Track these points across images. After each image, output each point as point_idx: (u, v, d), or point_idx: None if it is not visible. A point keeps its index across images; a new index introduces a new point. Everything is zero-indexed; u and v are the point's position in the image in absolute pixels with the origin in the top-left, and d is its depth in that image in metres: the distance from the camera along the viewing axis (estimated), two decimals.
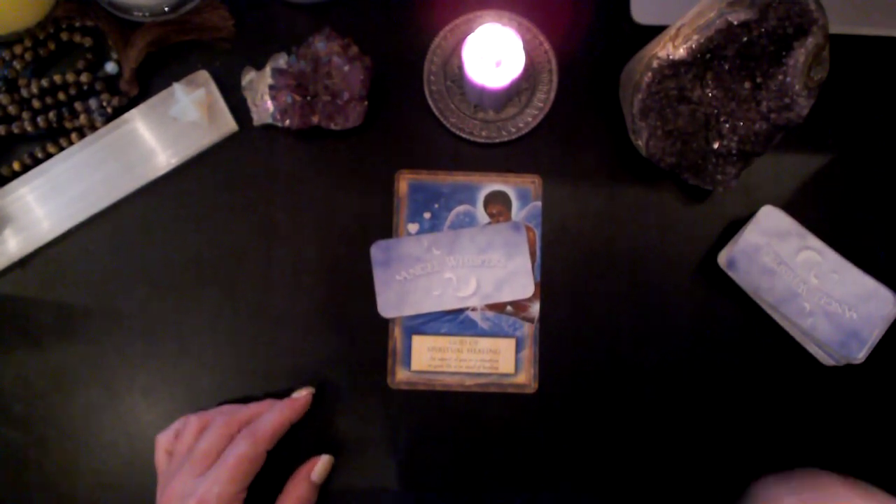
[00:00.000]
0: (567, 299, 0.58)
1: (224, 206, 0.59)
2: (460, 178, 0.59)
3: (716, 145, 0.55)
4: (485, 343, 0.58)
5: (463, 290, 0.58)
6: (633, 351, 0.58)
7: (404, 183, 0.58)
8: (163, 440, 0.54)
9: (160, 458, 0.54)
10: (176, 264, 0.58)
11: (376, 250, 0.58)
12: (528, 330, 0.58)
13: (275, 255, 0.58)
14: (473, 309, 0.58)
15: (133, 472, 0.57)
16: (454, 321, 0.58)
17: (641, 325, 0.58)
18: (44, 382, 0.58)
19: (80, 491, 0.57)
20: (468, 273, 0.58)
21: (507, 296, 0.58)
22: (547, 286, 0.58)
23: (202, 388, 0.58)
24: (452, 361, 0.58)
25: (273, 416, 0.54)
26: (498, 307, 0.58)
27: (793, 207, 0.58)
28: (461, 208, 0.58)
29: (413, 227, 0.58)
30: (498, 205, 0.58)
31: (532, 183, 0.58)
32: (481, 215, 0.58)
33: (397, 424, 0.58)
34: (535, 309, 0.58)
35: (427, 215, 0.58)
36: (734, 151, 0.55)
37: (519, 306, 0.58)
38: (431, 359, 0.58)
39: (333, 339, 0.58)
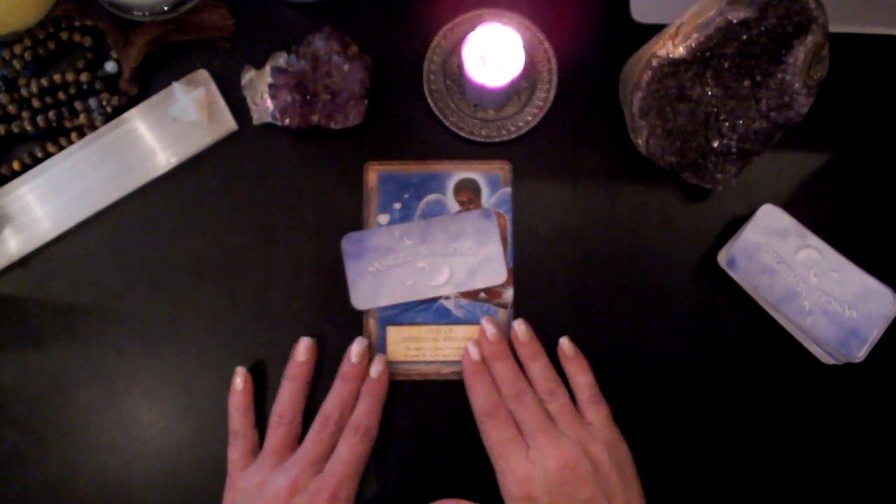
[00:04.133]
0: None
1: (224, 205, 0.59)
2: (429, 168, 0.59)
3: (715, 144, 0.55)
4: (460, 331, 0.58)
5: (436, 278, 0.58)
6: (626, 346, 0.58)
7: (373, 174, 0.58)
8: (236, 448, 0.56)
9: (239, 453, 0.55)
10: (176, 264, 0.58)
11: (347, 243, 0.58)
12: (502, 316, 0.58)
13: (275, 255, 0.58)
14: (447, 297, 0.58)
15: (133, 473, 0.57)
16: (428, 310, 0.58)
17: (641, 323, 0.58)
18: (44, 382, 0.58)
19: (80, 491, 0.57)
20: (440, 262, 0.58)
21: (480, 283, 0.58)
22: (540, 278, 0.58)
23: (202, 388, 0.58)
24: (428, 351, 0.58)
25: (369, 406, 0.55)
26: (471, 294, 0.58)
27: (793, 206, 0.58)
28: (431, 197, 0.58)
29: (384, 218, 0.58)
30: (468, 192, 0.58)
31: (501, 169, 0.58)
32: (451, 203, 0.58)
33: None
34: (508, 295, 0.58)
35: (397, 206, 0.58)
36: (734, 150, 0.55)
37: (492, 293, 0.58)
38: (407, 349, 0.58)
39: (327, 332, 0.58)
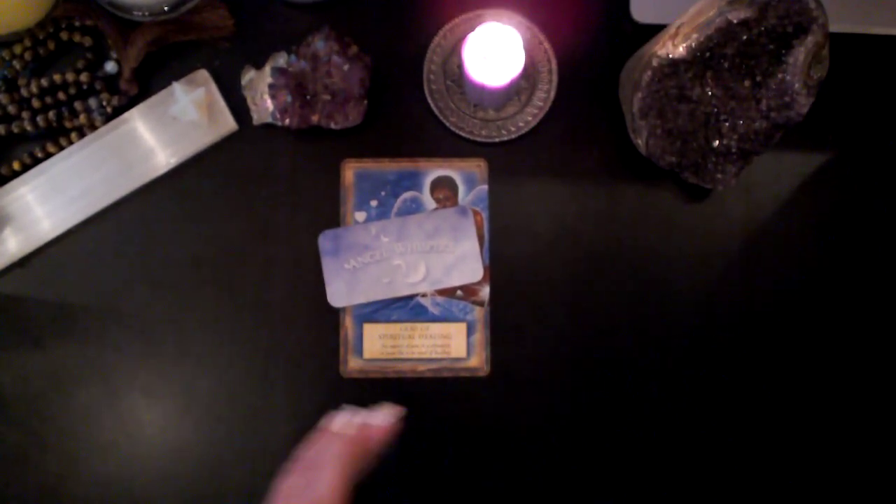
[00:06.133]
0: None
1: (224, 205, 0.59)
2: (406, 165, 0.59)
3: (715, 144, 0.55)
4: (436, 328, 0.58)
5: (412, 276, 0.58)
6: (625, 345, 0.58)
7: (350, 172, 0.58)
8: None
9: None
10: (176, 264, 0.58)
11: (324, 240, 0.58)
12: (478, 313, 0.58)
13: (275, 255, 0.58)
14: (423, 295, 0.58)
15: (133, 472, 0.57)
16: (405, 308, 0.58)
17: (641, 323, 0.58)
18: (44, 382, 0.58)
19: (80, 491, 0.57)
20: (417, 259, 0.58)
21: (456, 280, 0.58)
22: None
23: (202, 388, 0.58)
24: (404, 348, 0.58)
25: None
26: (448, 292, 0.58)
27: (793, 206, 0.58)
28: (408, 195, 0.58)
29: (360, 216, 0.58)
30: (444, 190, 0.58)
31: (478, 167, 0.58)
32: (428, 201, 0.59)
33: None
34: (485, 292, 0.58)
35: (374, 203, 0.58)
36: (734, 150, 0.55)
37: (469, 290, 0.58)
38: (383, 346, 0.58)
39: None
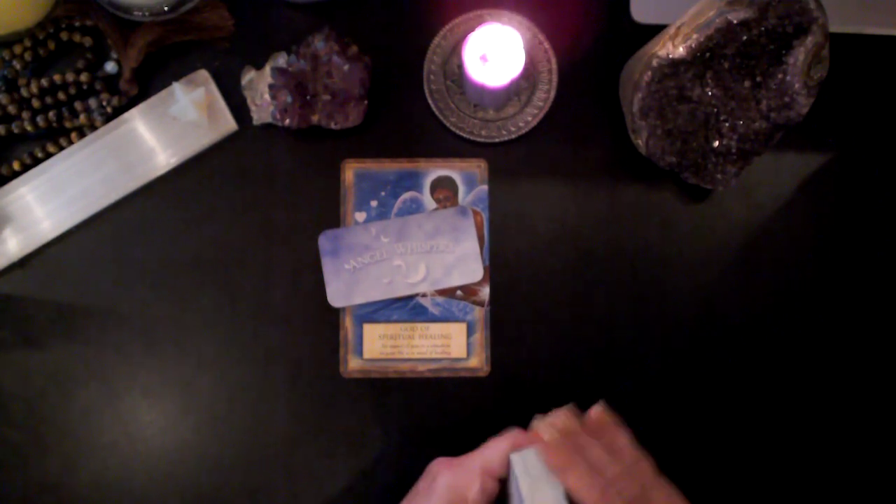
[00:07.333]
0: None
1: (224, 205, 0.59)
2: (406, 165, 0.59)
3: (716, 144, 0.55)
4: (436, 328, 0.58)
5: (412, 276, 0.58)
6: (625, 346, 0.58)
7: (350, 172, 0.58)
8: None
9: None
10: (176, 264, 0.58)
11: (324, 240, 0.58)
12: (478, 314, 0.58)
13: (274, 255, 0.58)
14: (423, 295, 0.58)
15: (133, 473, 0.57)
16: (405, 308, 0.58)
17: (640, 324, 0.58)
18: (44, 382, 0.58)
19: (80, 491, 0.57)
20: (417, 259, 0.58)
21: (456, 280, 0.58)
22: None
23: (202, 388, 0.58)
24: (404, 348, 0.58)
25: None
26: (448, 292, 0.58)
27: (792, 207, 0.58)
28: (408, 195, 0.58)
29: (360, 216, 0.58)
30: (444, 190, 0.59)
31: (478, 167, 0.58)
32: (428, 201, 0.59)
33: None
34: (485, 292, 0.58)
35: (374, 203, 0.58)
36: (734, 150, 0.55)
37: (469, 290, 0.58)
38: (383, 346, 0.58)
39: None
